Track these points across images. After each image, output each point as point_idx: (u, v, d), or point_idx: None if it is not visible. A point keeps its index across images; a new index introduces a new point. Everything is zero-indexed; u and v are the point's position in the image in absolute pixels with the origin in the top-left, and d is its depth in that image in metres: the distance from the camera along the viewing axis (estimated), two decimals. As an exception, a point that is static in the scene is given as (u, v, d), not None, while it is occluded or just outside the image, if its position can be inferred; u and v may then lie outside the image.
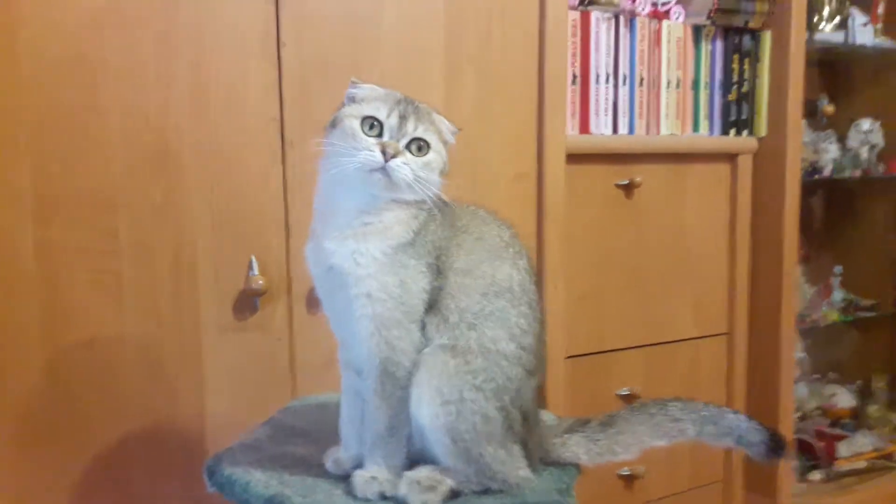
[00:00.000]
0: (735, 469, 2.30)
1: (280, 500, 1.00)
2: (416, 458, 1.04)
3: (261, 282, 1.47)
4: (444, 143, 1.06)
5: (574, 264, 1.95)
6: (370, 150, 0.98)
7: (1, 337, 1.32)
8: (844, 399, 2.72)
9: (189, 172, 1.43)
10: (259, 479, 1.06)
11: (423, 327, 1.03)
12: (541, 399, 1.12)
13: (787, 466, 2.33)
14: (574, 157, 1.89)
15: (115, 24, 1.35)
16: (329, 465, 1.09)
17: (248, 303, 1.49)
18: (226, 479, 1.08)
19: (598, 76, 2.01)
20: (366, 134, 1.00)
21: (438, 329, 1.03)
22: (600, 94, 2.02)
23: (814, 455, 2.52)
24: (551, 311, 1.73)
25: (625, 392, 2.09)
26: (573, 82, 1.97)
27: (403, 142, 1.00)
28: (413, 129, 1.01)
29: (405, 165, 0.99)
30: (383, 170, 0.98)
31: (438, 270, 1.03)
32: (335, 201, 1.03)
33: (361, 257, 1.00)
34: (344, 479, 1.04)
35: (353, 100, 1.04)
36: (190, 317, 1.45)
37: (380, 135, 1.00)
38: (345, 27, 1.54)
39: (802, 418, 2.62)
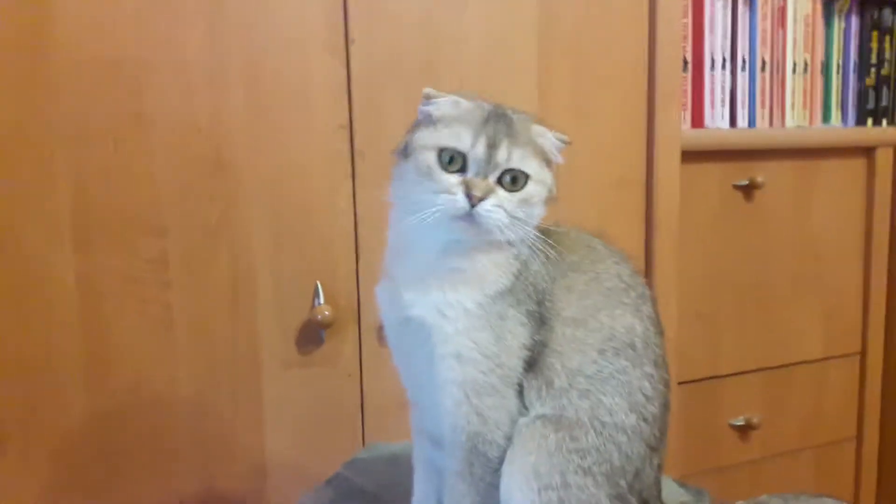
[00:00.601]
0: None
1: None
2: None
3: (327, 312, 1.30)
4: (549, 163, 0.86)
5: (685, 279, 1.72)
6: (451, 192, 0.78)
7: (39, 378, 1.20)
8: None
9: (246, 188, 1.27)
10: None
11: (519, 392, 0.83)
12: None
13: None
14: (686, 156, 1.66)
15: (160, 20, 1.20)
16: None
17: (313, 335, 1.33)
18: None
19: (713, 61, 1.82)
20: (445, 170, 0.80)
21: (540, 395, 0.83)
22: (716, 81, 1.83)
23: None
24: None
25: (740, 422, 1.86)
26: (684, 69, 1.75)
27: (494, 176, 0.80)
28: (506, 160, 0.80)
29: (498, 208, 0.79)
30: (469, 216, 0.78)
31: (542, 319, 0.83)
32: (412, 242, 0.84)
33: (450, 310, 0.81)
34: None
35: (428, 119, 0.84)
36: (248, 351, 1.29)
37: (463, 168, 0.80)
38: (422, 19, 1.35)
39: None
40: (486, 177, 0.79)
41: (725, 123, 1.83)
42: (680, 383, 1.76)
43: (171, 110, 1.21)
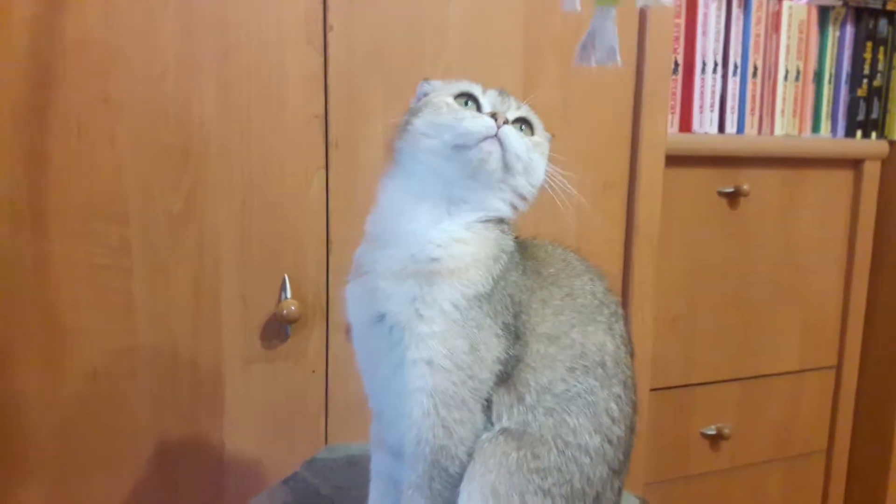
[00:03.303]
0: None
1: None
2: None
3: (294, 307, 1.26)
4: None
5: (664, 284, 1.70)
6: (476, 118, 0.79)
7: (-8, 364, 1.15)
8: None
9: (214, 178, 1.22)
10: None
11: (487, 407, 0.80)
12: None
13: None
14: (672, 160, 1.63)
15: (130, 1, 1.14)
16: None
17: (278, 329, 1.29)
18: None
19: (704, 65, 1.77)
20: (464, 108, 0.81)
21: (510, 411, 0.80)
22: (706, 85, 1.77)
23: (924, 505, 2.22)
24: (636, 339, 1.48)
25: (711, 432, 1.84)
26: (675, 71, 1.71)
27: (509, 116, 0.81)
28: (517, 107, 0.84)
29: (519, 138, 0.79)
30: (496, 138, 0.77)
31: (517, 334, 0.80)
32: (401, 216, 0.81)
33: (427, 309, 0.77)
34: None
35: (426, 95, 0.86)
36: (211, 344, 1.25)
37: (478, 111, 0.82)
38: (404, 8, 1.30)
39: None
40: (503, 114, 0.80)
41: (714, 129, 1.79)
42: (653, 390, 1.74)
43: (139, 96, 1.16)
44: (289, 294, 1.27)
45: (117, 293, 1.19)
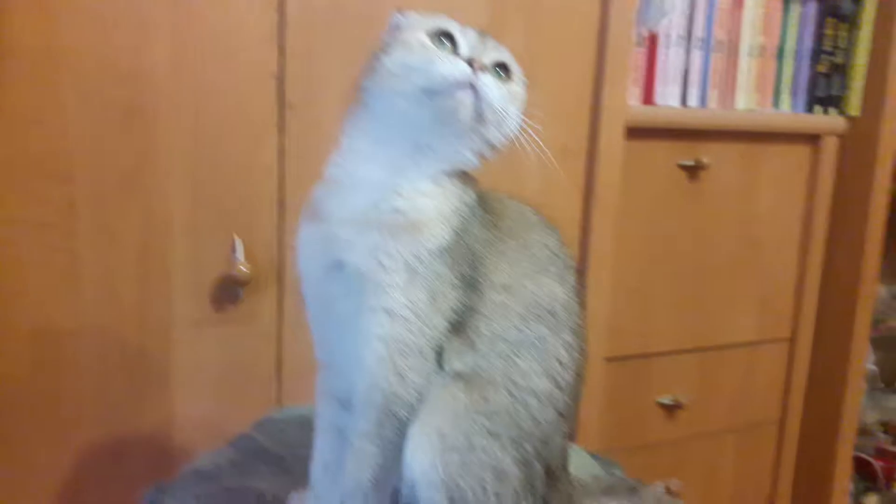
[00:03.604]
0: (783, 489, 2.09)
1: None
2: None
3: (245, 269, 1.24)
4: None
5: (622, 254, 1.71)
6: (451, 63, 0.75)
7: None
8: (911, 414, 2.46)
9: (165, 136, 1.19)
10: (204, 525, 0.86)
11: (439, 354, 0.80)
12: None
13: (842, 487, 2.09)
14: (634, 132, 1.63)
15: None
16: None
17: (229, 292, 1.27)
18: (167, 518, 0.89)
19: (668, 38, 1.74)
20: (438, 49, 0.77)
21: (462, 357, 0.80)
22: (670, 59, 1.76)
23: (872, 475, 2.28)
24: (593, 308, 1.49)
25: (667, 401, 1.86)
26: (640, 44, 1.70)
27: (487, 60, 0.78)
28: (495, 48, 0.79)
29: (495, 87, 0.76)
30: (471, 87, 0.74)
31: (473, 284, 0.80)
32: (362, 165, 0.80)
33: (389, 260, 0.76)
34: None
35: (399, 29, 0.81)
36: (159, 306, 1.23)
37: (454, 53, 0.77)
38: (364, -36, 1.27)
39: (861, 433, 2.36)
40: (480, 57, 0.77)
41: (676, 102, 1.79)
42: (609, 359, 1.75)
43: (87, 50, 1.13)
44: (240, 255, 1.25)
45: (62, 253, 1.16)
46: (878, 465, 2.29)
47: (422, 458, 0.77)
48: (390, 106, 0.77)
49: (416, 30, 0.78)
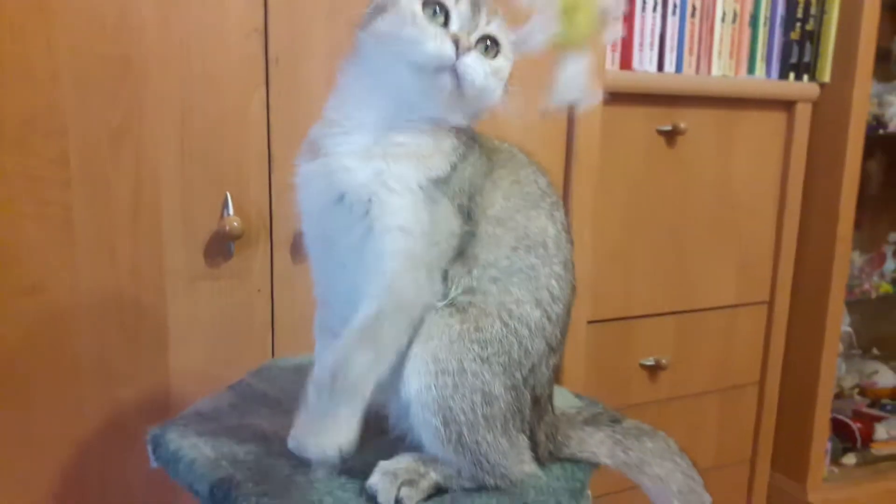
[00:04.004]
0: (763, 450, 2.13)
1: (227, 486, 0.83)
2: (396, 446, 0.87)
3: (236, 223, 1.26)
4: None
5: (603, 218, 1.74)
6: (437, 39, 0.77)
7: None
8: (886, 378, 2.52)
9: (154, 91, 1.21)
10: (207, 458, 0.88)
11: (444, 278, 0.84)
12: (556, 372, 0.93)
13: (820, 448, 2.14)
14: (611, 98, 1.65)
15: None
16: (292, 444, 0.90)
17: (221, 247, 1.29)
18: (171, 454, 0.90)
19: (644, 3, 1.77)
20: (430, 21, 0.78)
21: (458, 282, 0.84)
22: (646, 24, 1.80)
23: (849, 437, 2.33)
24: (576, 266, 1.52)
25: (650, 363, 1.90)
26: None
27: (475, 37, 0.80)
28: (486, 23, 0.80)
29: (479, 66, 0.79)
30: (453, 71, 0.77)
31: (470, 215, 0.84)
32: (360, 109, 0.83)
33: (396, 182, 0.80)
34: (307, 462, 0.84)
35: None
36: (152, 261, 1.25)
37: (445, 24, 0.79)
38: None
39: (838, 396, 2.41)
40: (469, 34, 0.79)
41: (653, 67, 1.82)
42: (591, 322, 1.78)
43: (76, 3, 1.14)
44: (231, 211, 1.27)
45: (55, 206, 1.17)
46: (855, 426, 2.33)
47: (417, 381, 0.80)
48: (380, 64, 0.81)
49: (411, 1, 0.79)
